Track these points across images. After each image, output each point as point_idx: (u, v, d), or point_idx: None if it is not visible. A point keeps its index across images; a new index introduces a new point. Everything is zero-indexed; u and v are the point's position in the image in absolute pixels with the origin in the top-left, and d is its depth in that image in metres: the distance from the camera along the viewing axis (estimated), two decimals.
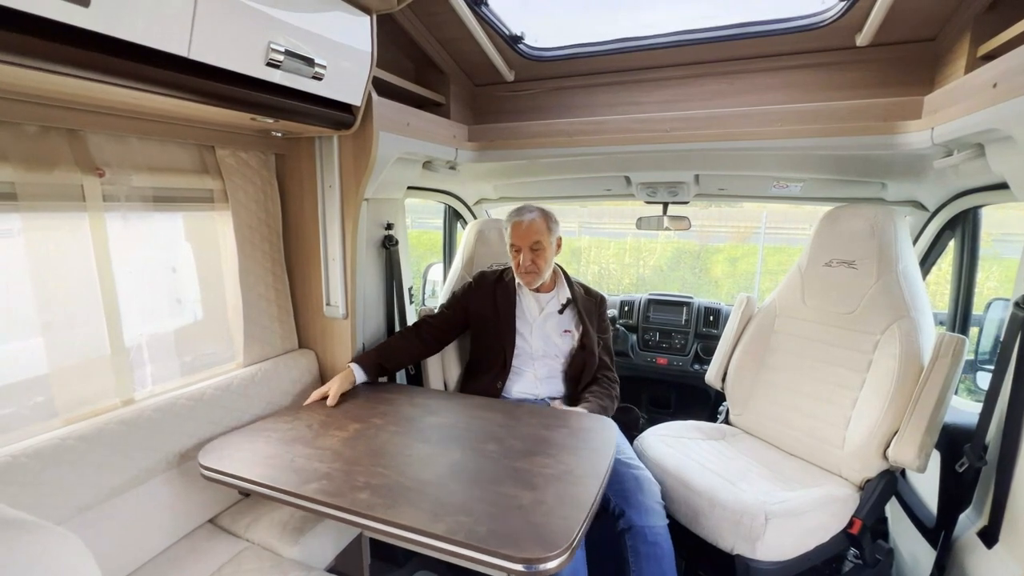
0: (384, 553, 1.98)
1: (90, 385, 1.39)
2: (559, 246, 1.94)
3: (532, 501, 1.13)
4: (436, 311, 2.07)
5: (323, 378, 2.01)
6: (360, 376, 1.80)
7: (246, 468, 1.29)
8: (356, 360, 1.82)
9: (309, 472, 1.26)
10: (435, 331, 1.99)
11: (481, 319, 1.99)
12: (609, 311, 2.97)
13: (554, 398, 1.94)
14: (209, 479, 1.32)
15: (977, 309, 2.00)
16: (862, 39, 1.63)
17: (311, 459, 1.32)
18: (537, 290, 1.97)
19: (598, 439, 1.46)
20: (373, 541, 1.88)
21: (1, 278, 1.26)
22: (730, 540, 1.49)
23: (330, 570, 1.45)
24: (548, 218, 1.88)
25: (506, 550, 0.97)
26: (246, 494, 1.29)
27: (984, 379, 1.76)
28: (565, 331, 1.95)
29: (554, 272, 1.99)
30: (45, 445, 1.20)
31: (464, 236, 2.48)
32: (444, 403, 1.77)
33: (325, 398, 1.68)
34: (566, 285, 1.99)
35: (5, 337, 1.28)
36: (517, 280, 1.96)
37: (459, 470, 1.28)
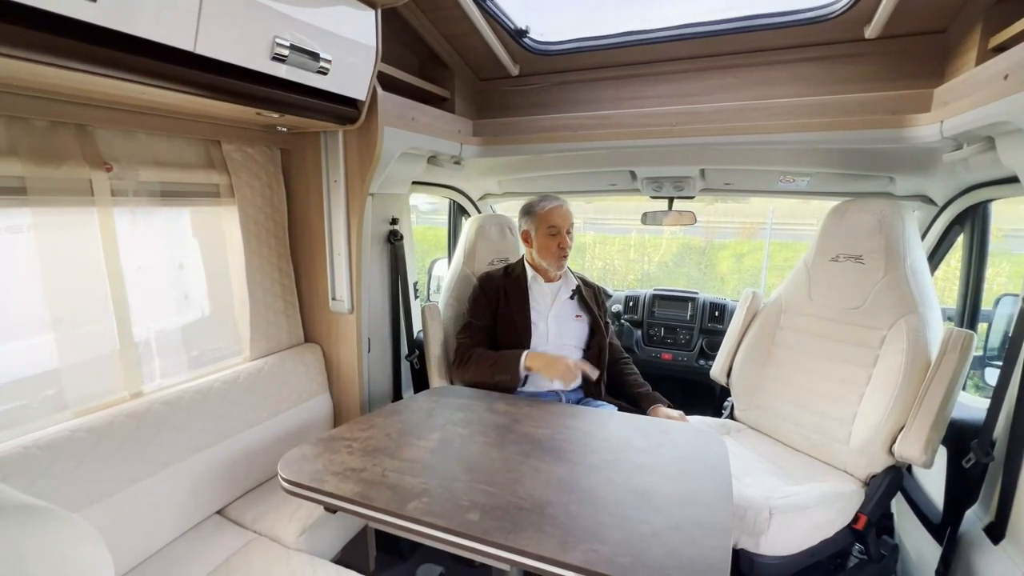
0: (389, 545, 2.00)
1: (99, 379, 1.41)
2: None
3: (665, 527, 1.05)
4: (462, 329, 2.03)
5: (329, 372, 2.03)
6: None
7: (335, 483, 1.17)
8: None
9: (405, 489, 1.16)
10: (487, 344, 1.99)
11: (496, 317, 2.02)
12: (614, 307, 2.98)
13: (573, 391, 1.96)
14: (293, 494, 1.20)
15: (987, 304, 1.98)
16: (871, 31, 1.61)
17: (402, 473, 1.22)
18: (547, 280, 2.03)
19: (712, 455, 1.38)
20: (378, 533, 1.89)
21: (12, 273, 1.28)
22: (734, 534, 1.49)
23: (336, 561, 1.46)
24: None
25: None
26: (333, 511, 1.18)
27: (992, 375, 1.75)
28: (577, 316, 2.02)
29: None
30: (56, 437, 1.21)
31: (464, 230, 2.48)
32: (527, 410, 1.65)
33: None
34: (571, 275, 2.08)
35: (16, 332, 1.30)
36: (529, 274, 2.01)
37: (572, 488, 1.19)
